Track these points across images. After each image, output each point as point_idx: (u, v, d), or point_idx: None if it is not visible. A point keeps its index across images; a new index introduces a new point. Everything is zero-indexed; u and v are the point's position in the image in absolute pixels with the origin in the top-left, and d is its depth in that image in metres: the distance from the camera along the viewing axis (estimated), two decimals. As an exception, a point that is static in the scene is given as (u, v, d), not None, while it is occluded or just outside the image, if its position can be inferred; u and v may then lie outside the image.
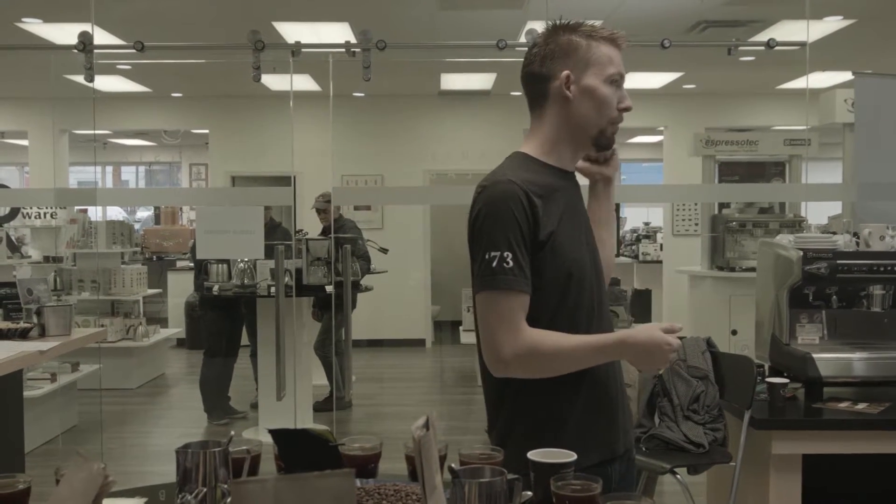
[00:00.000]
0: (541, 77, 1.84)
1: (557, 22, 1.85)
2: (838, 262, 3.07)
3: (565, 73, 1.80)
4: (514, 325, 1.71)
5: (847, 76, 6.29)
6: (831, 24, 6.47)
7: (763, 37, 5.30)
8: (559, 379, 1.76)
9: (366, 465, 1.64)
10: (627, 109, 1.84)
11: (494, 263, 1.70)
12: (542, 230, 1.74)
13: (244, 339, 6.74)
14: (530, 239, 1.73)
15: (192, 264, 6.74)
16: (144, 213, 15.47)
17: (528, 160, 1.86)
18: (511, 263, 1.70)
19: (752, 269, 6.53)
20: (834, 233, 3.60)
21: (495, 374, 1.77)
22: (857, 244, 3.29)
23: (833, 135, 7.70)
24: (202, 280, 6.16)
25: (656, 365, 1.77)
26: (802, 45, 4.39)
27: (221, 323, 6.52)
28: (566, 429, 1.77)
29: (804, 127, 7.58)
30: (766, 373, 3.23)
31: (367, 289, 6.85)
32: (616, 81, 1.82)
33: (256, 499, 1.02)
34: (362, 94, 9.61)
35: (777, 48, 4.20)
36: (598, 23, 1.85)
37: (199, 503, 1.36)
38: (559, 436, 1.75)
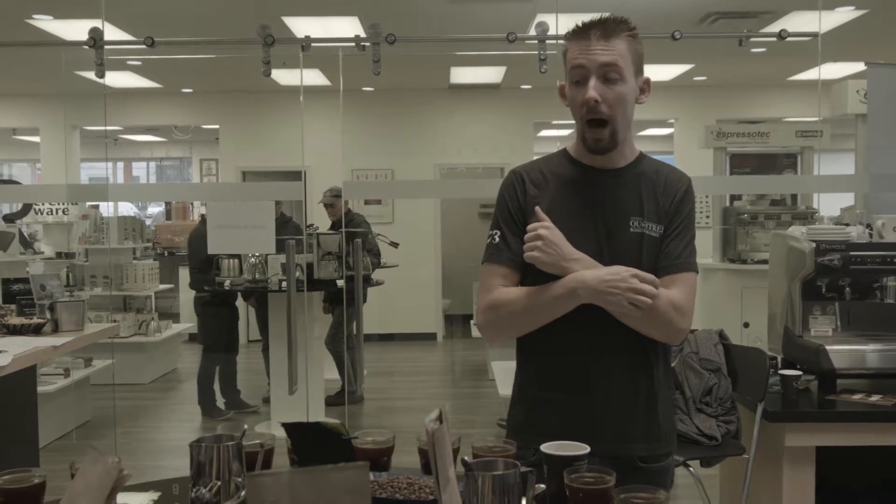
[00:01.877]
0: None
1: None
2: (851, 253, 3.05)
3: (560, 85, 1.91)
4: (486, 289, 1.89)
5: (859, 67, 6.25)
6: (843, 14, 6.43)
7: (774, 28, 5.27)
8: (528, 367, 1.94)
9: (379, 459, 1.64)
10: (585, 103, 1.80)
11: (487, 241, 1.93)
12: (530, 216, 1.86)
13: (255, 335, 6.75)
14: (520, 220, 1.88)
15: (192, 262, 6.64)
16: (155, 209, 15.52)
17: (561, 154, 1.98)
18: (497, 240, 1.90)
19: (764, 262, 6.50)
20: (847, 224, 3.58)
21: (484, 338, 1.97)
22: (871, 235, 3.27)
23: (845, 126, 7.66)
24: (210, 276, 6.16)
25: (619, 294, 1.73)
26: (814, 35, 4.37)
27: (221, 319, 6.54)
28: (523, 412, 1.94)
29: (816, 118, 7.54)
30: (779, 365, 3.22)
31: (378, 283, 6.85)
32: (578, 79, 1.81)
33: (272, 492, 1.02)
34: (372, 89, 9.60)
35: (789, 39, 4.18)
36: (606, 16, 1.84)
37: (213, 496, 1.37)
38: (524, 416, 1.94)
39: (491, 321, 1.89)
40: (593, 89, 1.78)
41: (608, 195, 1.89)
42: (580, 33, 1.81)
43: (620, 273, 1.75)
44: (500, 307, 1.86)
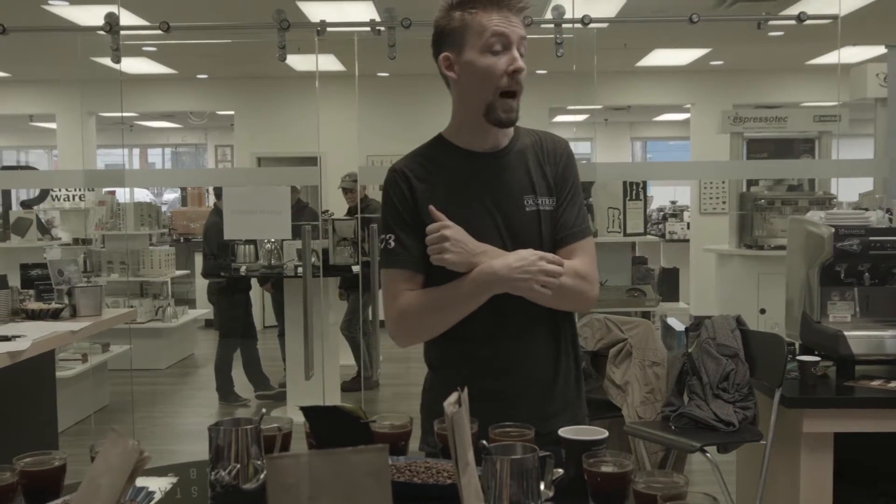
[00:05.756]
0: (435, 61, 1.85)
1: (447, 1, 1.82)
2: (870, 238, 3.03)
3: (443, 55, 1.82)
4: (392, 297, 1.83)
5: (880, 50, 6.19)
6: (863, -4, 6.35)
7: (793, 10, 5.22)
8: (440, 354, 1.89)
9: (396, 443, 1.64)
10: (517, 71, 1.76)
11: (381, 245, 1.85)
12: (423, 215, 1.78)
13: (271, 321, 6.77)
14: (413, 219, 1.80)
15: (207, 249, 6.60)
16: (171, 196, 15.58)
17: (439, 142, 1.91)
18: (393, 244, 1.82)
19: (781, 248, 6.47)
20: (866, 209, 3.55)
21: (398, 345, 1.89)
22: (890, 220, 3.25)
23: (864, 111, 7.59)
24: (224, 263, 6.17)
25: (530, 279, 1.71)
26: (834, 18, 4.31)
27: (236, 307, 6.57)
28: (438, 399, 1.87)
29: (835, 103, 7.47)
30: (797, 351, 3.20)
31: (394, 268, 6.85)
32: (497, 47, 1.75)
33: (291, 473, 1.02)
34: (387, 74, 9.58)
35: (808, 22, 4.13)
36: None
37: (232, 479, 1.37)
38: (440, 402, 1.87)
39: (404, 329, 1.84)
40: (520, 60, 1.77)
41: (497, 178, 1.84)
42: (494, 3, 1.76)
43: (528, 258, 1.73)
44: (411, 314, 1.80)
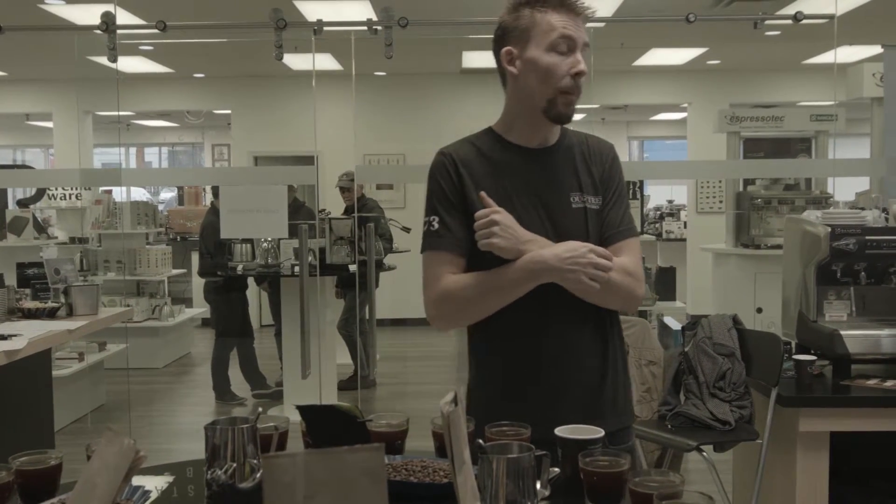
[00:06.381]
0: (496, 56, 1.87)
1: None
2: (867, 237, 3.03)
3: (506, 49, 1.83)
4: (434, 278, 1.82)
5: (876, 50, 6.19)
6: (860, -4, 6.35)
7: (790, 10, 5.23)
8: (487, 352, 1.87)
9: (393, 442, 1.64)
10: (580, 74, 1.79)
11: (425, 228, 1.85)
12: (469, 201, 1.81)
13: (267, 319, 6.77)
14: (459, 202, 1.82)
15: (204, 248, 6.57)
16: (168, 195, 15.56)
17: (489, 135, 1.93)
18: (436, 226, 1.82)
19: (778, 247, 6.49)
20: (862, 208, 3.55)
21: (437, 328, 1.90)
22: (887, 220, 3.25)
23: (860, 110, 7.60)
24: (220, 262, 6.16)
25: (579, 270, 1.71)
26: (830, 17, 4.32)
27: (232, 305, 6.56)
28: (487, 397, 1.85)
29: (831, 102, 7.48)
30: (793, 350, 3.20)
31: (391, 268, 6.86)
32: (562, 48, 1.78)
33: (287, 473, 1.02)
34: (384, 73, 9.57)
35: (804, 21, 4.14)
36: None
37: (228, 478, 1.37)
38: (489, 401, 1.83)
39: (445, 312, 1.83)
40: (583, 63, 1.80)
41: (545, 174, 1.85)
42: (564, 5, 1.79)
43: (578, 249, 1.73)
44: (453, 296, 1.80)
